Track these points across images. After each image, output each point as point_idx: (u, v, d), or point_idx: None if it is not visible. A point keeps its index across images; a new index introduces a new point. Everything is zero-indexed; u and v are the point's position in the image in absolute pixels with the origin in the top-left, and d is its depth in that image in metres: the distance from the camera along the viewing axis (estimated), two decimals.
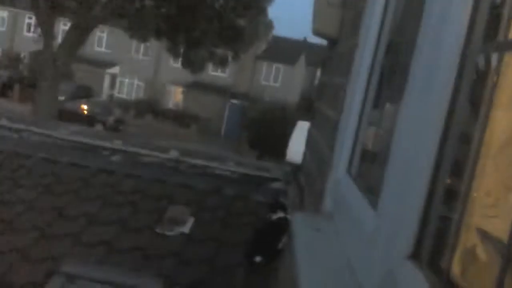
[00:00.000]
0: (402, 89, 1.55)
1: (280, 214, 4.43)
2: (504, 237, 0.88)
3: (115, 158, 6.99)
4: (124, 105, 36.85)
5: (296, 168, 5.32)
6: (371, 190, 1.67)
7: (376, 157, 1.91)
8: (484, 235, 0.99)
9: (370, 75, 2.32)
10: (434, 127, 1.18)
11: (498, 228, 0.97)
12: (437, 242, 1.09)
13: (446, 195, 1.14)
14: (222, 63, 27.56)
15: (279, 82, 41.39)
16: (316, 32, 3.68)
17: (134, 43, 33.25)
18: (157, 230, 5.07)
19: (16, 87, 35.32)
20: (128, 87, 42.05)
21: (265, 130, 31.73)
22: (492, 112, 1.12)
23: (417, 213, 1.14)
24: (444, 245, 1.04)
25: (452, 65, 1.22)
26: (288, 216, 4.33)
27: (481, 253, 0.97)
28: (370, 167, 1.95)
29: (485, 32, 1.22)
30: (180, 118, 37.67)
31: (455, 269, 0.98)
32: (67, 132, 7.53)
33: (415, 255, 1.12)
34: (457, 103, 1.19)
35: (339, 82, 2.89)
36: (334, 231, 1.83)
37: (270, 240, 4.34)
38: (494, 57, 1.19)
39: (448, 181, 1.16)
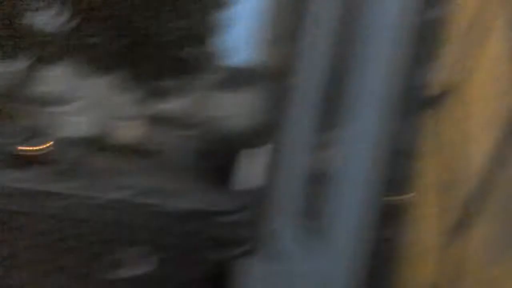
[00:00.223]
0: (342, 114, 1.50)
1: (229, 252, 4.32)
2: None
3: (65, 202, 6.75)
4: (79, 143, 36.21)
5: (250, 199, 5.23)
6: (320, 228, 1.59)
7: (322, 192, 1.85)
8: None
9: (312, 105, 2.28)
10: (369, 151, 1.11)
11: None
12: None
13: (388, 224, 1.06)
14: (177, 94, 27.49)
15: (235, 109, 41.54)
16: (264, 63, 3.68)
17: (88, 78, 32.94)
18: (110, 276, 4.89)
19: None
20: (83, 124, 41.45)
21: (221, 159, 31.65)
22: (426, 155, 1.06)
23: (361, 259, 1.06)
24: None
25: (385, 88, 1.15)
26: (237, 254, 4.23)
27: None
28: (317, 205, 1.88)
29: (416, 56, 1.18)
30: (136, 152, 37.27)
31: None
32: (14, 179, 7.26)
33: None
34: (387, 130, 1.12)
35: (288, 113, 2.85)
36: (285, 275, 1.74)
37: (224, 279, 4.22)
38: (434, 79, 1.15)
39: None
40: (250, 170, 5.10)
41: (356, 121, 1.17)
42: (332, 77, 2.18)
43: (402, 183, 1.11)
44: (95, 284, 4.73)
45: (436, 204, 1.14)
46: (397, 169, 1.23)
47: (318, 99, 2.25)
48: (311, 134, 2.21)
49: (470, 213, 1.40)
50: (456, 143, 1.51)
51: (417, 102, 1.18)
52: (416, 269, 1.03)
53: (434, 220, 1.14)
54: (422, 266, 1.11)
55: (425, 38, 1.28)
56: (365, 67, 1.24)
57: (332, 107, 2.03)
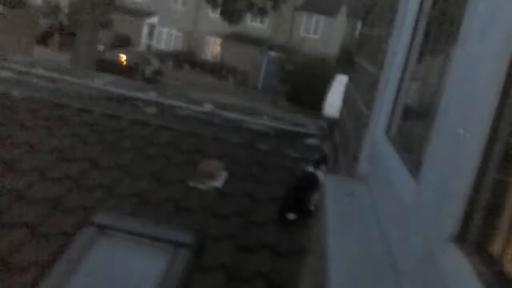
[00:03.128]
0: (453, 38, 1.37)
1: (311, 169, 4.32)
2: None
3: (149, 109, 6.94)
4: (162, 55, 36.86)
5: (333, 124, 5.16)
6: (412, 155, 1.51)
7: (419, 118, 1.74)
8: None
9: (415, 26, 2.12)
10: (493, 82, 1.00)
11: None
12: (489, 224, 0.93)
13: (505, 165, 0.97)
14: (261, 13, 27.11)
15: (318, 34, 40.59)
16: None
17: None
18: (190, 184, 5.03)
19: (56, 36, 35.66)
20: (167, 37, 41.95)
21: (303, 83, 31.37)
22: None
23: (467, 187, 0.98)
24: (497, 227, 0.89)
25: None
26: (317, 173, 4.22)
27: None
28: (412, 129, 1.79)
29: None
30: (218, 70, 37.52)
31: (509, 257, 0.83)
32: (102, 82, 7.51)
33: (461, 238, 0.97)
34: None
35: (381, 34, 2.69)
36: (368, 198, 1.69)
37: (304, 198, 4.25)
38: None
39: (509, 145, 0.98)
40: (337, 94, 4.97)
41: (473, 45, 1.04)
42: None
43: None
44: (176, 189, 4.89)
45: None
46: None
47: (422, 21, 2.08)
48: (410, 63, 2.06)
49: None
50: None
51: None
52: None
53: None
54: None
55: None
56: None
57: (439, 30, 1.87)
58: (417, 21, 2.15)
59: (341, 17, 41.21)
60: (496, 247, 0.88)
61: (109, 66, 26.64)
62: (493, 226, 0.92)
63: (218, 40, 40.31)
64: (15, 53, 9.05)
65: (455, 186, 1.03)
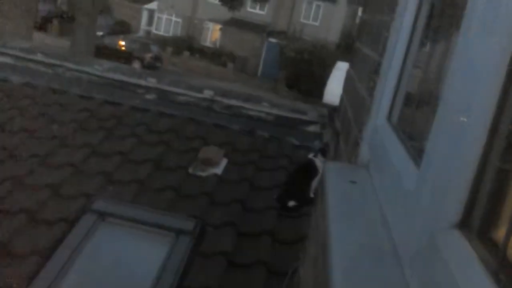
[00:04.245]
0: (456, 25, 1.36)
1: (311, 156, 4.31)
2: None
3: (149, 96, 6.92)
4: (162, 41, 36.70)
5: (333, 111, 5.14)
6: (414, 141, 1.51)
7: (421, 104, 1.73)
8: None
9: (418, 12, 2.10)
10: (496, 70, 0.99)
11: None
12: (492, 211, 0.93)
13: (508, 151, 0.96)
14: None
15: (319, 20, 40.40)
16: None
17: None
18: (190, 170, 5.02)
19: (55, 22, 35.50)
20: (166, 23, 41.75)
21: (303, 70, 31.29)
22: None
23: (470, 174, 0.98)
24: (501, 214, 0.89)
25: None
26: (316, 160, 4.21)
27: None
28: (414, 116, 1.78)
29: None
30: (217, 56, 37.37)
31: None
32: (102, 69, 7.47)
33: (463, 224, 0.97)
34: None
35: (383, 20, 2.67)
36: (370, 184, 1.69)
37: (304, 185, 4.24)
38: None
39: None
40: (338, 81, 4.95)
41: (476, 34, 1.03)
42: None
43: None
44: (176, 176, 4.88)
45: None
46: None
47: (424, 6, 2.06)
48: (412, 49, 2.04)
49: None
50: None
51: None
52: None
53: None
54: None
55: None
56: None
57: (442, 16, 1.85)
58: (419, 6, 2.13)
59: (342, 3, 40.98)
60: (499, 233, 0.87)
61: (108, 52, 26.57)
62: (497, 212, 0.91)
63: (217, 26, 40.11)
64: (13, 39, 9.01)
65: (457, 172, 1.02)
